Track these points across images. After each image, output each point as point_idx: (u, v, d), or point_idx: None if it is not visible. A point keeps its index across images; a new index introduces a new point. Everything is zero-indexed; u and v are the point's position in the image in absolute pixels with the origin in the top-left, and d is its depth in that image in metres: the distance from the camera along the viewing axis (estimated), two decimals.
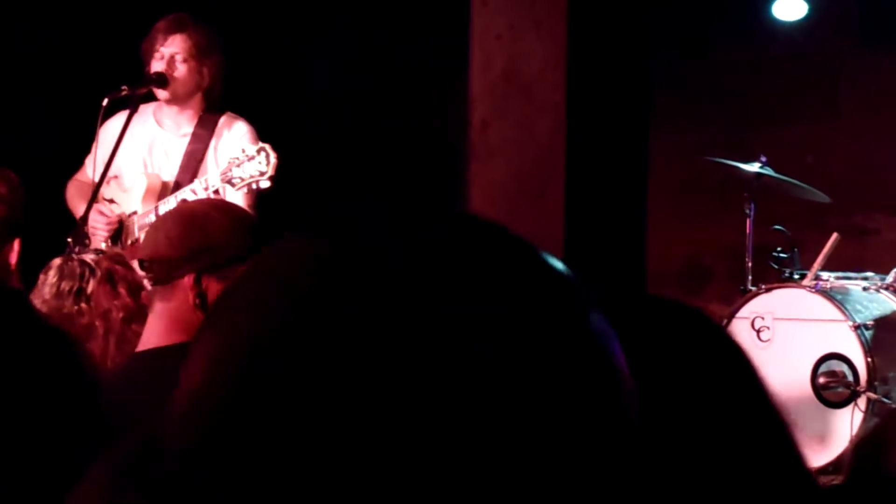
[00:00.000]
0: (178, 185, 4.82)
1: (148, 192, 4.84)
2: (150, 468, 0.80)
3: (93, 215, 4.80)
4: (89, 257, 3.30)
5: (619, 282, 5.96)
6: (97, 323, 3.17)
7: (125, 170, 4.90)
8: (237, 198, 4.40)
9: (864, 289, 5.29)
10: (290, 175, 4.49)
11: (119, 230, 4.88)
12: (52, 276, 3.24)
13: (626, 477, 0.79)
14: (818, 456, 4.84)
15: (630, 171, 6.61)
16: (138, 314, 3.15)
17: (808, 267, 5.35)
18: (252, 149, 4.46)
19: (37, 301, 3.16)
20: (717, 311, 5.54)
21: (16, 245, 3.26)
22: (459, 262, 0.79)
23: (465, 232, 0.82)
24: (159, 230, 3.02)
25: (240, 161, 4.46)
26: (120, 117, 4.85)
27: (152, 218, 4.63)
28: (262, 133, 4.80)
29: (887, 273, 5.35)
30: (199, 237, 2.90)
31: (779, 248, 5.50)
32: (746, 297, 5.30)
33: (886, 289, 5.29)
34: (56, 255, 3.35)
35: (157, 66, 4.84)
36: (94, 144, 4.86)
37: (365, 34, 6.67)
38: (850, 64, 6.54)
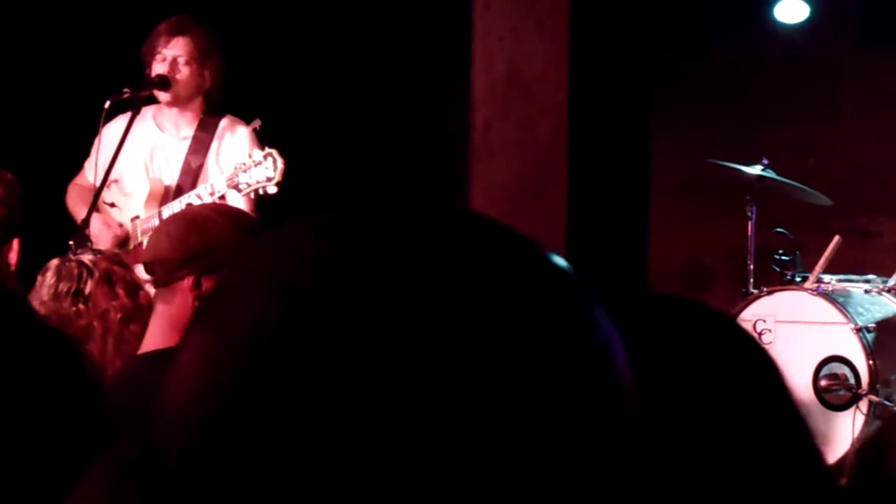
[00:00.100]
0: (179, 189, 4.81)
1: (150, 196, 4.82)
2: (150, 468, 0.80)
3: (99, 227, 4.77)
4: (87, 258, 3.29)
5: (620, 282, 5.96)
6: (95, 324, 3.17)
7: (126, 174, 4.88)
8: (239, 201, 4.39)
9: (866, 291, 5.29)
10: (291, 176, 4.48)
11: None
12: (49, 278, 3.24)
13: (625, 477, 0.79)
14: None
15: (631, 172, 6.62)
16: (136, 315, 3.16)
17: (810, 269, 5.35)
18: (259, 154, 4.44)
19: (35, 302, 3.15)
20: None
21: (15, 245, 3.25)
22: (460, 261, 0.78)
23: (466, 231, 0.81)
24: (161, 232, 3.03)
25: (247, 166, 4.45)
26: (120, 120, 4.83)
27: (155, 222, 4.63)
28: (262, 133, 4.79)
29: (889, 276, 5.35)
30: (199, 239, 2.90)
31: (780, 251, 5.50)
32: (748, 299, 5.29)
33: (888, 291, 5.29)
34: (56, 257, 3.35)
35: (158, 68, 4.81)
36: (95, 147, 4.84)
37: (365, 34, 6.67)
38: (850, 64, 6.54)
